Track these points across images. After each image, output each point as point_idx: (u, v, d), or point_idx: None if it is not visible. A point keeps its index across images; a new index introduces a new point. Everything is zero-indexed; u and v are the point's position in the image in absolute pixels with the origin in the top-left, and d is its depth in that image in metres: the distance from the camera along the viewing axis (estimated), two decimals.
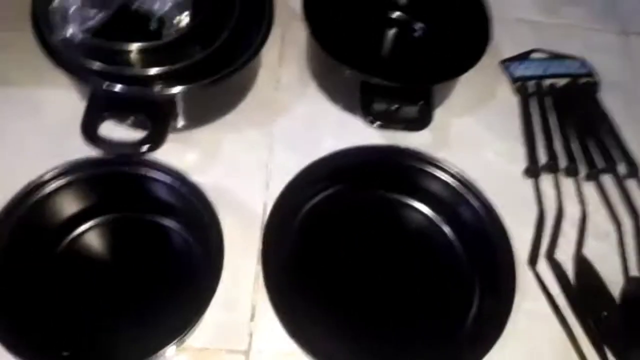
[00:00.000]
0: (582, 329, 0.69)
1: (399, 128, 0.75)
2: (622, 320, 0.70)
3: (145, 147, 0.68)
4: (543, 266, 0.73)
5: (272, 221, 0.69)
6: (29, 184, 0.67)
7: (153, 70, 0.68)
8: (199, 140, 0.78)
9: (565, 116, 0.85)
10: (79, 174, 0.69)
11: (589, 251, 0.75)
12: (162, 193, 0.70)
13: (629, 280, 0.73)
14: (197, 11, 0.70)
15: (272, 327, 0.63)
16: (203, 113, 0.78)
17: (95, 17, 0.67)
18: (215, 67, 0.70)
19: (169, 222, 0.71)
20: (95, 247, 0.70)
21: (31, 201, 0.66)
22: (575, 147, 0.82)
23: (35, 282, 0.66)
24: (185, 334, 0.60)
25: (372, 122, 0.73)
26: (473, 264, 0.73)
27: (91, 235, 0.71)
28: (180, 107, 0.73)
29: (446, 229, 0.75)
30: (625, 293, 0.72)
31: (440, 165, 0.75)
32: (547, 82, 0.88)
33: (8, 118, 0.77)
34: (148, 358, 0.59)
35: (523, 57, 0.90)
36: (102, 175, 0.70)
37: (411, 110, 0.76)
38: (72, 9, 0.66)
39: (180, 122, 0.76)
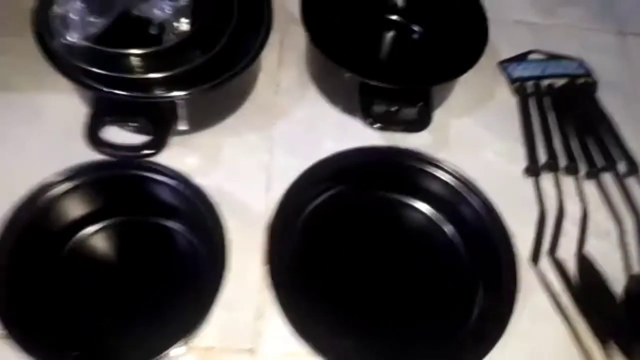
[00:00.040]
0: (586, 326, 0.69)
1: (399, 129, 0.76)
2: (625, 318, 0.71)
3: (147, 151, 0.69)
4: (545, 265, 0.74)
5: (276, 222, 0.69)
6: (34, 188, 0.67)
7: (154, 75, 0.68)
8: (200, 143, 0.78)
9: (564, 116, 0.85)
10: (84, 178, 0.69)
11: (590, 249, 0.75)
12: (166, 196, 0.70)
13: (631, 277, 0.73)
14: (196, 17, 0.70)
15: (277, 326, 0.64)
16: (204, 117, 0.78)
17: (97, 23, 0.67)
18: (216, 71, 0.71)
19: (173, 225, 0.72)
20: (101, 249, 0.71)
21: (37, 205, 0.67)
22: (574, 146, 0.83)
23: (43, 284, 0.67)
24: (192, 334, 0.61)
25: (371, 124, 0.74)
26: (475, 263, 0.73)
27: (97, 238, 0.71)
28: (181, 112, 0.73)
29: (447, 229, 0.76)
30: (627, 290, 0.72)
31: (441, 165, 0.75)
32: (546, 82, 0.89)
33: (11, 123, 0.78)
34: (155, 358, 0.59)
35: (521, 58, 0.91)
36: (107, 179, 0.70)
37: (410, 112, 0.76)
38: (74, 16, 0.67)
39: (182, 126, 0.76)
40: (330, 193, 0.76)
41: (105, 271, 0.70)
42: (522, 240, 0.74)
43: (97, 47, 0.67)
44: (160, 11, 0.69)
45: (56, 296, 0.67)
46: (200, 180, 0.71)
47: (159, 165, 0.70)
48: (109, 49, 0.67)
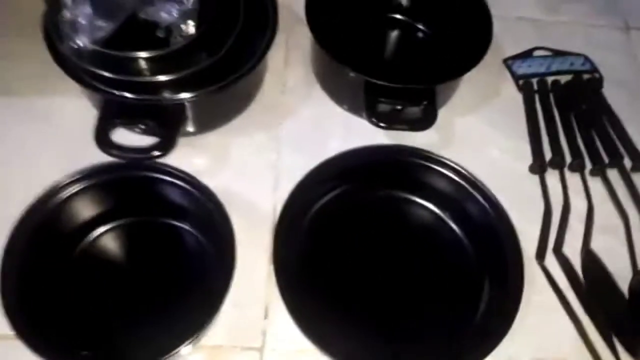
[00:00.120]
0: (591, 322, 0.70)
1: (404, 128, 0.76)
2: (630, 313, 0.71)
3: (155, 153, 0.69)
4: (551, 261, 0.74)
5: (283, 221, 0.70)
6: (46, 190, 0.68)
7: (162, 78, 0.69)
8: (208, 144, 0.79)
9: (570, 112, 0.86)
10: (94, 180, 0.70)
11: (596, 245, 0.75)
12: (175, 196, 0.71)
13: (637, 273, 0.73)
14: (203, 19, 0.70)
15: (285, 324, 0.64)
16: (211, 118, 0.79)
17: (105, 27, 0.68)
18: (223, 73, 0.72)
19: (182, 225, 0.73)
20: (111, 250, 0.72)
21: (48, 206, 0.68)
22: (580, 142, 0.83)
23: (54, 284, 0.67)
24: (200, 333, 0.61)
25: (376, 123, 0.74)
26: (481, 259, 0.73)
27: (107, 238, 0.72)
28: (189, 113, 0.74)
29: (454, 226, 0.76)
30: (633, 286, 0.72)
31: (446, 163, 0.75)
32: (551, 79, 0.89)
33: (22, 127, 0.79)
34: (164, 357, 0.60)
35: (526, 54, 0.91)
36: (117, 180, 0.71)
37: (415, 111, 0.77)
38: (83, 20, 0.67)
39: (190, 127, 0.77)
40: (336, 192, 0.76)
41: (114, 271, 0.71)
42: (528, 236, 0.74)
43: (106, 50, 0.68)
44: (167, 14, 0.69)
45: (66, 296, 0.67)
46: (209, 180, 0.71)
47: (167, 166, 0.71)
48: (117, 52, 0.68)
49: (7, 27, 0.85)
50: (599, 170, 0.81)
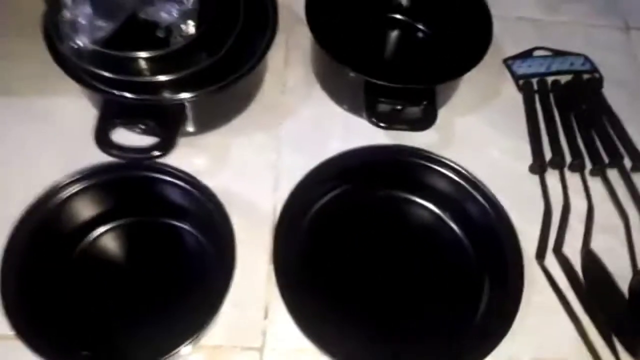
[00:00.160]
0: (591, 322, 0.70)
1: (404, 128, 0.76)
2: (630, 313, 0.71)
3: (156, 153, 0.69)
4: (551, 261, 0.74)
5: (283, 221, 0.70)
6: (46, 190, 0.68)
7: (162, 78, 0.69)
8: (208, 144, 0.79)
9: (570, 112, 0.86)
10: (94, 180, 0.70)
11: (596, 245, 0.75)
12: (175, 196, 0.71)
13: (637, 273, 0.73)
14: (203, 19, 0.70)
15: (284, 324, 0.64)
16: (211, 118, 0.79)
17: (105, 27, 0.68)
18: (223, 73, 0.72)
19: (182, 225, 0.73)
20: (111, 249, 0.72)
21: (49, 206, 0.68)
22: (580, 142, 0.83)
23: (55, 284, 0.67)
24: (200, 333, 0.61)
25: (376, 123, 0.74)
26: (481, 259, 0.74)
27: (107, 238, 0.72)
28: (189, 113, 0.74)
29: (454, 226, 0.76)
30: (633, 286, 0.72)
31: (446, 163, 0.75)
32: (551, 79, 0.89)
33: (22, 127, 0.79)
34: (164, 357, 0.60)
35: (526, 55, 0.91)
36: (117, 180, 0.71)
37: (415, 111, 0.77)
38: (83, 20, 0.67)
39: (190, 127, 0.77)
40: (336, 192, 0.76)
41: (114, 271, 0.71)
42: (528, 237, 0.74)
43: (106, 50, 0.68)
44: (167, 14, 0.70)
45: (66, 296, 0.68)
46: (209, 180, 0.71)
47: (167, 166, 0.71)
48: (118, 53, 0.68)
49: (7, 27, 0.85)
50: (599, 170, 0.81)
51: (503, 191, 0.74)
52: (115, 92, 0.69)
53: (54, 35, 0.69)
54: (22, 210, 0.67)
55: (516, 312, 0.66)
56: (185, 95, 0.71)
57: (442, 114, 0.78)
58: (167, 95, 0.70)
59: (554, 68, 0.90)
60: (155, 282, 0.69)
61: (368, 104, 0.75)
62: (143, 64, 0.69)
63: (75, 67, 0.69)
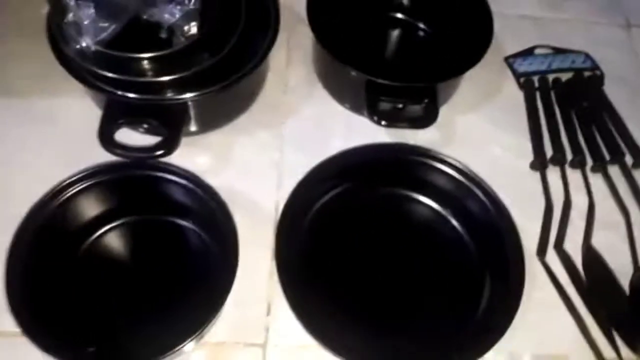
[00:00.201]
0: (592, 318, 0.70)
1: (405, 126, 0.77)
2: (631, 309, 0.71)
3: (159, 152, 0.70)
4: (552, 257, 0.74)
5: (285, 219, 0.70)
6: (51, 189, 0.69)
7: (165, 78, 0.70)
8: (211, 143, 0.79)
9: (571, 109, 0.86)
10: (98, 179, 0.71)
11: (597, 242, 0.75)
12: (179, 195, 0.72)
13: (638, 269, 0.73)
14: (205, 20, 0.71)
15: (287, 321, 0.65)
16: (214, 117, 0.80)
17: (108, 29, 0.69)
18: (225, 73, 0.72)
19: (185, 223, 0.73)
20: (116, 248, 0.73)
21: (54, 205, 0.69)
22: (581, 139, 0.83)
23: (60, 282, 0.68)
24: (204, 330, 0.62)
25: (378, 121, 0.74)
26: (482, 256, 0.74)
27: (112, 237, 0.73)
28: (192, 113, 0.75)
29: (455, 223, 0.77)
30: (634, 282, 0.72)
31: (448, 161, 0.76)
32: (552, 76, 0.89)
33: (27, 127, 0.79)
34: (168, 353, 0.60)
35: (527, 52, 0.91)
36: (121, 179, 0.72)
37: (417, 109, 0.77)
38: (86, 21, 0.68)
39: (193, 127, 0.78)
40: (338, 190, 0.76)
41: (119, 269, 0.71)
42: (529, 233, 0.75)
43: (109, 51, 0.68)
44: (169, 15, 0.70)
45: (71, 294, 0.68)
46: (212, 179, 0.72)
47: (171, 165, 0.71)
48: (121, 53, 0.69)
49: (7, 27, 0.86)
50: (600, 167, 0.81)
51: (504, 188, 0.75)
52: (119, 92, 0.70)
53: (58, 36, 0.70)
54: (27, 209, 0.68)
55: (517, 308, 0.66)
56: (188, 95, 0.71)
57: (443, 112, 0.78)
58: (170, 95, 0.71)
59: (555, 66, 0.90)
60: (158, 280, 0.70)
61: (369, 102, 0.75)
62: (146, 65, 0.70)
63: (79, 68, 0.70)
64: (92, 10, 0.68)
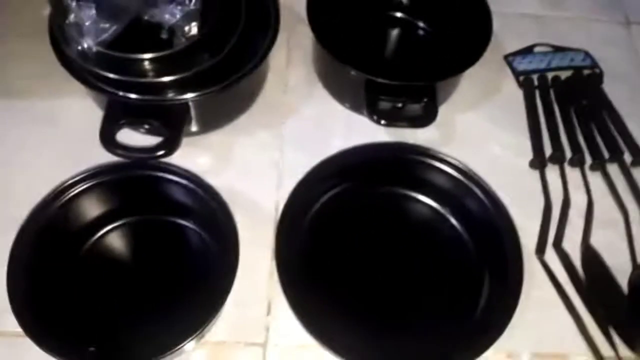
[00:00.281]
0: (590, 316, 0.70)
1: (405, 125, 0.77)
2: (629, 308, 0.72)
3: (160, 152, 0.70)
4: (551, 255, 0.75)
5: (285, 218, 0.71)
6: (52, 190, 0.70)
7: (165, 78, 0.70)
8: (212, 143, 0.80)
9: (570, 108, 0.86)
10: (100, 179, 0.71)
11: (596, 240, 0.76)
12: (179, 195, 0.72)
13: (636, 267, 0.74)
14: (205, 21, 0.71)
15: (287, 320, 0.66)
16: (215, 117, 0.80)
17: (109, 30, 0.69)
18: (225, 73, 0.73)
19: (186, 223, 0.74)
20: (117, 248, 0.73)
21: (56, 205, 0.69)
22: (580, 137, 0.83)
23: (62, 282, 0.69)
24: (204, 329, 0.62)
25: (377, 121, 0.74)
26: (481, 255, 0.74)
27: (113, 237, 0.73)
28: (192, 113, 0.75)
29: (454, 222, 0.77)
30: (632, 280, 0.72)
31: (447, 159, 0.76)
32: (551, 74, 0.89)
33: (29, 127, 0.80)
34: (169, 352, 0.61)
35: (527, 51, 0.91)
36: (122, 180, 0.72)
37: (416, 108, 0.77)
38: (87, 22, 0.68)
39: (193, 127, 0.78)
40: (338, 189, 0.77)
41: (120, 269, 0.72)
42: (528, 232, 0.75)
43: (110, 52, 0.69)
44: (170, 16, 0.70)
45: (73, 294, 0.69)
46: (213, 179, 0.73)
47: (172, 165, 0.72)
48: (122, 54, 0.69)
49: (8, 27, 0.87)
50: (599, 165, 0.81)
51: (503, 187, 0.75)
52: (120, 92, 0.70)
53: (60, 37, 0.70)
54: (29, 210, 0.68)
55: (516, 306, 0.67)
56: (188, 95, 0.71)
57: (443, 110, 0.78)
58: (171, 95, 0.71)
59: (554, 64, 0.90)
60: (159, 279, 0.70)
61: (369, 101, 0.75)
62: (147, 65, 0.70)
63: (80, 68, 0.70)
64: (93, 12, 0.69)
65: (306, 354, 0.66)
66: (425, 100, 0.76)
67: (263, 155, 0.80)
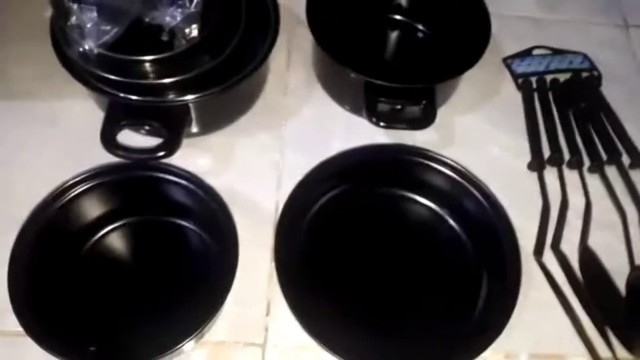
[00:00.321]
0: (588, 317, 0.70)
1: (404, 127, 0.77)
2: (627, 309, 0.72)
3: (161, 153, 0.70)
4: (548, 257, 0.75)
5: (284, 219, 0.71)
6: (53, 190, 0.70)
7: (166, 80, 0.70)
8: (212, 145, 0.80)
9: (568, 110, 0.86)
10: (101, 180, 0.72)
11: (594, 242, 0.76)
12: (180, 196, 0.73)
13: (634, 269, 0.74)
14: (205, 23, 0.71)
15: (286, 321, 0.66)
16: (215, 119, 0.80)
17: (111, 32, 0.69)
18: (226, 75, 0.73)
19: (186, 223, 0.74)
20: (118, 248, 0.73)
21: (56, 206, 0.70)
22: (578, 140, 0.84)
23: (62, 282, 0.69)
24: (204, 329, 0.63)
25: (377, 123, 0.75)
26: (479, 256, 0.74)
27: (113, 237, 0.74)
28: (193, 114, 0.75)
29: (453, 224, 0.77)
30: (630, 282, 0.73)
31: (446, 161, 0.76)
32: (550, 77, 0.89)
33: (30, 128, 0.80)
34: (168, 352, 0.61)
35: (525, 53, 0.92)
36: (123, 180, 0.72)
37: (415, 110, 0.77)
38: (89, 25, 0.68)
39: (194, 128, 0.78)
40: (337, 191, 0.77)
41: (120, 269, 0.72)
42: (526, 233, 0.75)
43: (112, 54, 0.69)
44: (171, 18, 0.70)
45: (74, 294, 0.69)
46: (213, 180, 0.73)
47: (172, 166, 0.72)
48: (123, 56, 0.69)
49: (8, 28, 0.87)
50: (597, 167, 0.81)
51: (502, 189, 0.76)
52: (121, 94, 0.71)
53: (61, 39, 0.71)
54: (30, 210, 0.69)
55: (514, 307, 0.67)
56: (189, 96, 0.72)
57: (442, 112, 0.79)
58: (171, 96, 0.72)
59: (552, 67, 0.90)
60: (159, 280, 0.71)
61: (368, 104, 0.76)
62: (148, 67, 0.70)
63: (81, 70, 0.71)
64: (94, 14, 0.69)
65: (305, 354, 0.67)
66: (424, 102, 0.77)
67: (263, 156, 0.80)
